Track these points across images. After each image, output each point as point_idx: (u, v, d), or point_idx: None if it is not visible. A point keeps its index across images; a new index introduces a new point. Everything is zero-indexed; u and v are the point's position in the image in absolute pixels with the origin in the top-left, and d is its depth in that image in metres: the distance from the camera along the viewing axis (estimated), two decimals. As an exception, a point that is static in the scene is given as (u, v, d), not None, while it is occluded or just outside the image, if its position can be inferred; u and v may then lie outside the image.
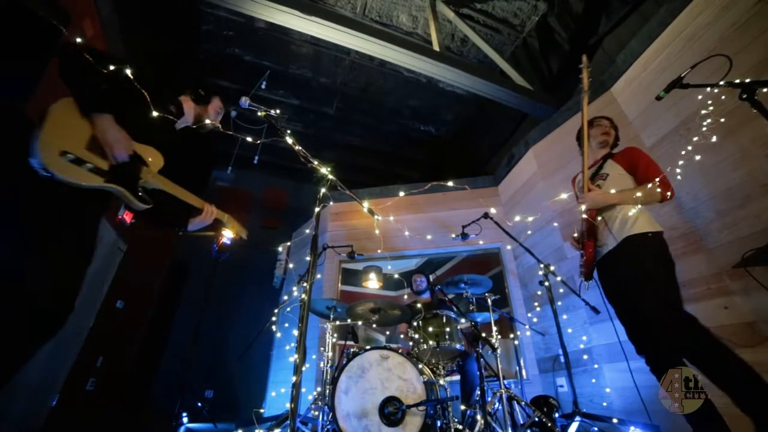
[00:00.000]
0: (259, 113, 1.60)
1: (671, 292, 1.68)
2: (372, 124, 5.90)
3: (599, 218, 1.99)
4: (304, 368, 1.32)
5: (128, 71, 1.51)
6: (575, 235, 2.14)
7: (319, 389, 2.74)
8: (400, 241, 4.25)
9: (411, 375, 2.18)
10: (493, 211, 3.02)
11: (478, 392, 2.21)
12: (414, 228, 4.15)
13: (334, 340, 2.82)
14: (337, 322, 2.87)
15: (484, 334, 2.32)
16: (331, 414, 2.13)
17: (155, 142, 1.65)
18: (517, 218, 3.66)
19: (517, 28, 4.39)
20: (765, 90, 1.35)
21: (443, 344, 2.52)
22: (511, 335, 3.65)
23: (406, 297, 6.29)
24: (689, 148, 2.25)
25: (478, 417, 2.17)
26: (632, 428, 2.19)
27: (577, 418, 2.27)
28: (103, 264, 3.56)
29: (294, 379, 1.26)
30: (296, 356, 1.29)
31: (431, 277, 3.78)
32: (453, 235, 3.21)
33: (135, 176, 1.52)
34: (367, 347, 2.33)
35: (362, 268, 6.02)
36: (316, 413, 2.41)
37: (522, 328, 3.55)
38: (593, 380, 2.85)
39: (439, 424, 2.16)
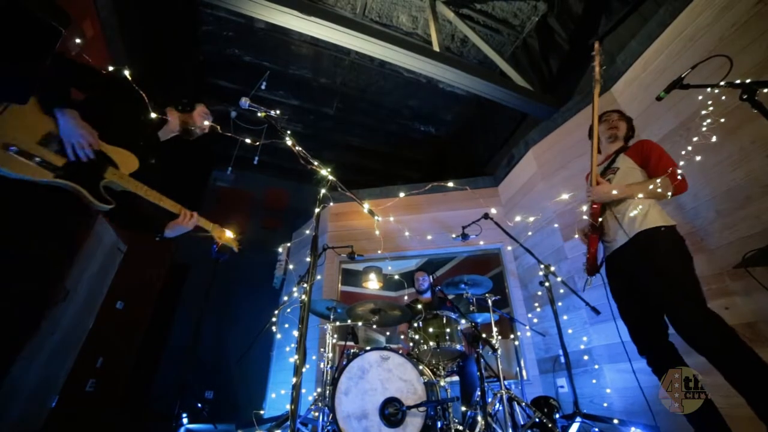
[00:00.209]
0: (259, 114, 1.60)
1: (690, 286, 1.61)
2: (372, 125, 5.91)
3: (608, 212, 1.93)
4: (304, 369, 1.32)
5: (108, 73, 1.51)
6: (584, 228, 2.08)
7: (319, 390, 2.74)
8: (400, 242, 4.25)
9: (411, 376, 2.18)
10: (493, 211, 3.01)
11: (479, 393, 2.20)
12: (414, 228, 4.15)
13: (334, 340, 2.82)
14: (337, 323, 2.87)
15: (484, 335, 2.32)
16: (331, 415, 2.13)
17: (132, 147, 1.64)
18: (518, 219, 3.66)
19: (517, 28, 4.39)
20: (765, 90, 1.35)
21: (443, 345, 2.51)
22: (512, 336, 3.64)
23: (406, 298, 6.29)
24: (689, 148, 2.25)
25: (479, 418, 2.17)
26: (633, 429, 2.19)
27: (578, 418, 2.27)
28: (103, 265, 3.56)
29: (294, 380, 1.25)
30: (296, 357, 1.29)
31: (431, 277, 3.76)
32: (453, 236, 3.21)
33: (97, 175, 1.49)
34: (368, 348, 2.33)
35: (362, 269, 6.02)
36: (316, 414, 2.41)
37: (522, 329, 3.55)
38: (594, 381, 2.85)
39: (439, 425, 2.15)
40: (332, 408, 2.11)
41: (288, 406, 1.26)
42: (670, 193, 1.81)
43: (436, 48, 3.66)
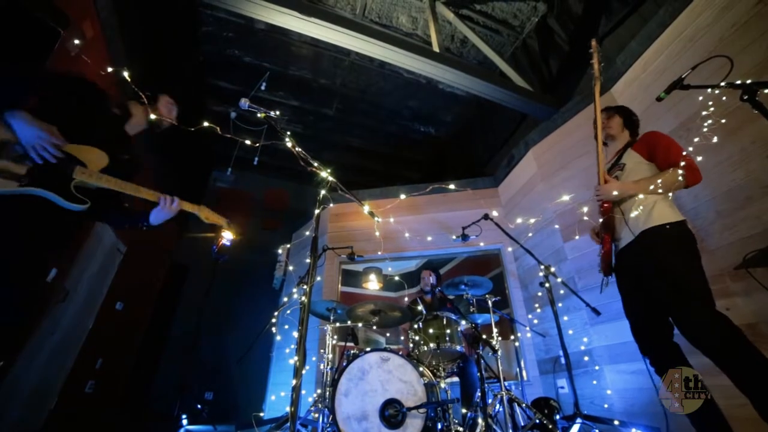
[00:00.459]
0: (258, 115, 1.59)
1: (695, 286, 1.57)
2: (372, 125, 5.91)
3: (616, 210, 1.88)
4: (303, 371, 1.31)
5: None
6: (595, 228, 2.04)
7: (319, 391, 2.73)
8: (400, 243, 4.24)
9: (411, 377, 2.17)
10: (495, 213, 3.01)
11: (479, 394, 2.20)
12: (414, 229, 4.15)
13: (334, 341, 2.81)
14: (337, 324, 2.86)
15: (484, 336, 2.31)
16: (331, 416, 2.12)
17: (97, 143, 1.61)
18: (519, 220, 3.66)
19: (516, 29, 4.40)
20: (766, 91, 1.35)
21: (444, 346, 2.51)
22: (512, 337, 3.64)
23: (406, 299, 6.28)
24: (690, 149, 2.24)
25: (479, 419, 2.17)
26: (634, 430, 2.19)
27: (579, 420, 2.26)
28: (102, 265, 3.55)
29: (294, 382, 1.25)
30: (296, 358, 1.29)
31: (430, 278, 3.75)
32: (453, 237, 3.20)
33: (65, 176, 1.47)
34: (368, 349, 2.33)
35: (362, 270, 6.01)
36: (316, 415, 2.40)
37: (522, 330, 3.54)
38: (594, 382, 2.84)
39: (439, 426, 2.15)
40: (332, 409, 2.10)
41: (288, 408, 1.26)
42: (684, 186, 1.74)
43: (435, 49, 3.66)
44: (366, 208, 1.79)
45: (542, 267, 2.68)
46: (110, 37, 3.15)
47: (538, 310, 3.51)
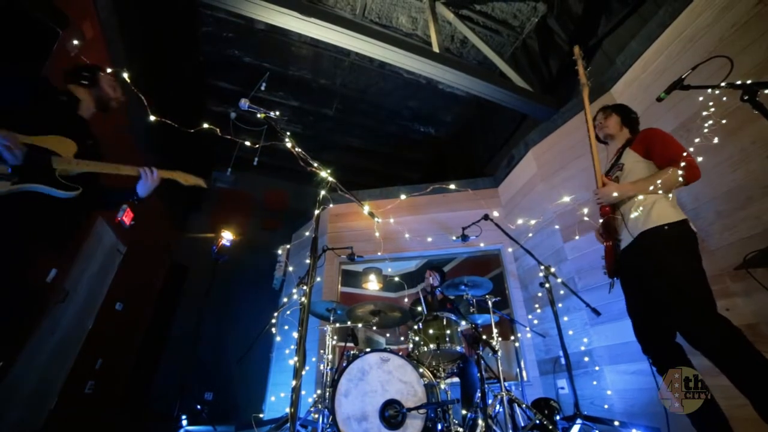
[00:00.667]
0: (258, 115, 1.59)
1: (694, 287, 1.55)
2: (372, 126, 5.91)
3: (617, 211, 1.87)
4: (303, 372, 1.31)
5: None
6: (599, 229, 2.01)
7: (318, 392, 2.73)
8: (399, 243, 4.24)
9: (411, 378, 2.17)
10: (495, 214, 3.01)
11: (479, 395, 2.20)
12: (414, 229, 4.14)
13: (334, 342, 2.81)
14: (337, 325, 2.86)
15: (484, 336, 2.31)
16: (331, 417, 2.12)
17: (62, 132, 1.60)
18: (519, 221, 3.65)
19: (516, 29, 4.40)
20: (766, 91, 1.34)
21: (444, 347, 2.51)
22: (512, 337, 3.64)
23: (406, 300, 6.28)
24: (690, 149, 2.23)
25: (479, 420, 2.16)
26: (634, 431, 2.18)
27: (579, 420, 2.26)
28: (102, 266, 3.55)
29: (294, 383, 1.25)
30: (296, 359, 1.28)
31: (432, 279, 3.75)
32: (453, 237, 3.20)
33: (47, 167, 1.48)
34: (368, 350, 2.32)
35: (362, 270, 6.01)
36: (316, 416, 2.40)
37: (522, 330, 3.54)
38: (594, 382, 2.84)
39: (439, 427, 2.14)
40: (332, 410, 2.10)
41: (288, 409, 1.26)
42: (683, 184, 1.71)
43: (435, 49, 3.66)
44: (366, 209, 1.79)
45: (542, 267, 2.67)
46: (110, 38, 3.15)
47: (538, 311, 3.51)
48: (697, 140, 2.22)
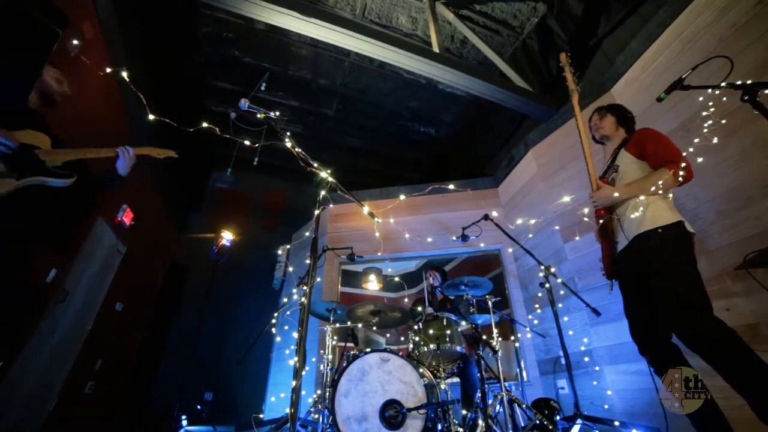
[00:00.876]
0: (258, 115, 1.59)
1: (689, 291, 1.55)
2: (372, 126, 5.90)
3: (613, 213, 1.87)
4: (303, 372, 1.31)
5: None
6: (597, 231, 2.02)
7: (318, 392, 2.73)
8: (400, 243, 4.24)
9: (411, 378, 2.16)
10: (495, 214, 3.01)
11: (479, 395, 2.19)
12: (414, 229, 4.14)
13: (333, 342, 2.81)
14: (337, 325, 2.86)
15: (484, 337, 2.31)
16: (331, 417, 2.12)
17: (28, 126, 1.61)
18: (519, 221, 3.65)
19: (516, 29, 4.39)
20: (766, 91, 1.34)
21: (444, 347, 2.50)
22: (512, 337, 3.64)
23: (406, 300, 6.28)
24: (690, 149, 2.24)
25: (479, 420, 2.16)
26: (634, 431, 2.18)
27: (579, 420, 2.26)
28: (102, 266, 3.55)
29: (294, 383, 1.24)
30: (296, 359, 1.28)
31: (432, 279, 3.75)
32: (453, 237, 3.20)
33: (38, 160, 1.50)
34: (368, 350, 2.32)
35: (362, 270, 6.01)
36: (316, 416, 2.40)
37: (522, 330, 3.54)
38: (594, 382, 2.84)
39: (440, 427, 2.14)
40: (332, 410, 2.10)
41: (288, 409, 1.25)
42: (676, 185, 1.71)
43: (435, 49, 3.66)
44: (366, 209, 1.78)
45: (542, 267, 2.67)
46: (110, 38, 3.15)
47: (538, 311, 3.51)
48: (697, 140, 2.22)
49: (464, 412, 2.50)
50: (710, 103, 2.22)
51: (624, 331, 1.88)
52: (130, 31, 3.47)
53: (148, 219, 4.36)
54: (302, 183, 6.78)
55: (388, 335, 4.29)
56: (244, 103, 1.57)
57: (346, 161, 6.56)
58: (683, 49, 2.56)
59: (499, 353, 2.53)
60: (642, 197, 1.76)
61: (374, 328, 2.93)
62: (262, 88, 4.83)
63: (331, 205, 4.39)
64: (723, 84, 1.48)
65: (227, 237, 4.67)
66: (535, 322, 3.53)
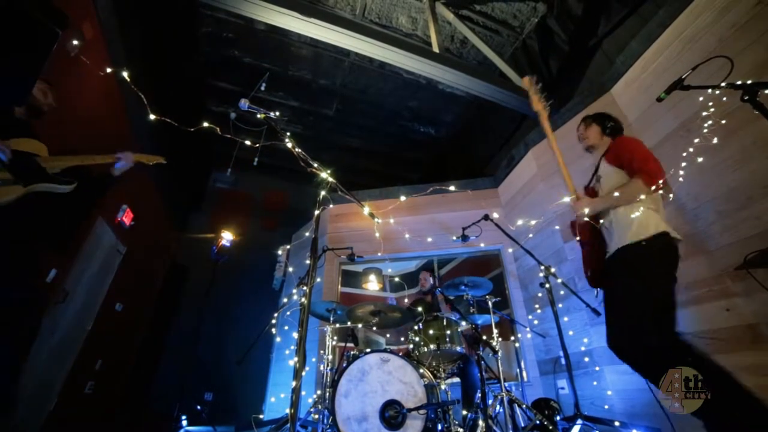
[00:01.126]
0: (258, 115, 1.59)
1: (657, 316, 1.53)
2: (372, 126, 5.90)
3: (601, 222, 1.91)
4: (303, 372, 1.31)
5: None
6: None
7: (318, 392, 2.73)
8: (400, 243, 4.24)
9: (411, 378, 2.16)
10: (495, 214, 3.01)
11: (479, 395, 2.19)
12: (414, 230, 4.14)
13: (334, 342, 2.81)
14: (337, 325, 2.86)
15: (484, 337, 2.31)
16: (331, 418, 2.12)
17: (23, 135, 1.63)
18: (520, 222, 3.65)
19: (516, 29, 4.39)
20: (766, 91, 1.34)
21: (444, 347, 2.50)
22: (512, 337, 3.63)
23: (406, 300, 6.27)
24: (690, 149, 2.24)
25: (480, 420, 2.16)
26: (634, 431, 2.18)
27: (579, 421, 2.25)
28: (102, 266, 3.55)
29: (294, 383, 1.24)
30: (296, 359, 1.28)
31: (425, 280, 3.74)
32: (453, 237, 3.20)
33: (39, 167, 1.53)
34: (368, 350, 2.32)
35: (362, 270, 6.01)
36: (316, 417, 2.40)
37: (523, 330, 3.54)
38: (594, 383, 2.84)
39: (440, 427, 2.14)
40: (332, 410, 2.10)
41: (288, 410, 1.25)
42: (647, 193, 1.73)
43: (435, 49, 3.66)
44: (366, 209, 1.78)
45: (542, 268, 2.67)
46: (110, 38, 3.15)
47: (538, 311, 3.50)
48: (697, 140, 2.22)
49: (464, 412, 2.50)
50: (710, 103, 2.22)
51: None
52: (130, 31, 3.47)
53: (148, 219, 4.36)
54: (302, 183, 6.78)
55: (388, 335, 4.29)
56: (244, 103, 1.57)
57: (346, 161, 6.56)
58: (683, 49, 2.56)
59: (499, 353, 2.53)
60: (625, 207, 1.77)
61: (374, 328, 2.93)
62: (262, 88, 4.83)
63: (331, 206, 4.38)
64: (723, 84, 1.48)
65: (227, 237, 4.66)
66: (535, 322, 3.53)
